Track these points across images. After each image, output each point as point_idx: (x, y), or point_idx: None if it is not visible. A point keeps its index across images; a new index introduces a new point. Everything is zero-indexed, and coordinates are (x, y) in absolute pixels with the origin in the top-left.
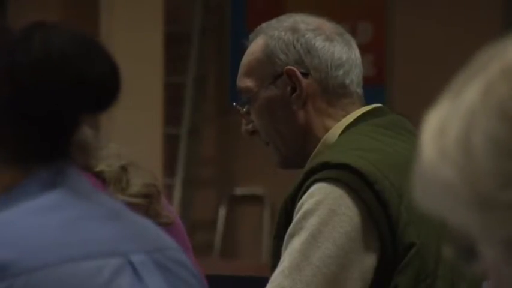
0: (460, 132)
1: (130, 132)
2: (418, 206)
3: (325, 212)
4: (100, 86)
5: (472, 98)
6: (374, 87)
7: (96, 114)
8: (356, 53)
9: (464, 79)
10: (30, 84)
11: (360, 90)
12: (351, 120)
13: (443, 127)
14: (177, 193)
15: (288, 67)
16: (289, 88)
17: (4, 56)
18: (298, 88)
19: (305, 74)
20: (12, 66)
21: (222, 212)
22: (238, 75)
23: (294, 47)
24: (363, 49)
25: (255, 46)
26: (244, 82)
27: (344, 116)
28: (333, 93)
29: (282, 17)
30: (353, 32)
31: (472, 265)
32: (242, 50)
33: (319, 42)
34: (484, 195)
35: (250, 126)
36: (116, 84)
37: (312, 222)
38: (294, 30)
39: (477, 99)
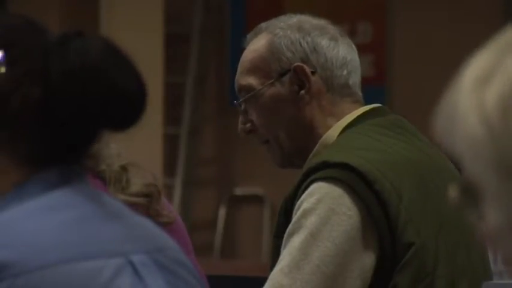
0: (504, 93)
1: (131, 132)
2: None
3: (324, 211)
4: (128, 102)
5: None
6: (374, 87)
7: (118, 130)
8: (356, 56)
9: None
10: (61, 90)
11: (359, 92)
12: (350, 120)
13: (487, 78)
14: (177, 193)
15: (297, 64)
16: (296, 85)
17: (40, 58)
18: (306, 85)
19: (312, 72)
20: (46, 69)
21: (222, 212)
22: (238, 73)
23: (301, 44)
24: (363, 49)
25: (258, 44)
26: (246, 79)
27: (345, 115)
28: (337, 92)
29: (282, 17)
30: (353, 32)
31: (473, 212)
32: (242, 50)
33: (325, 41)
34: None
35: (247, 125)
36: (142, 102)
37: (312, 221)
38: (300, 28)
39: None
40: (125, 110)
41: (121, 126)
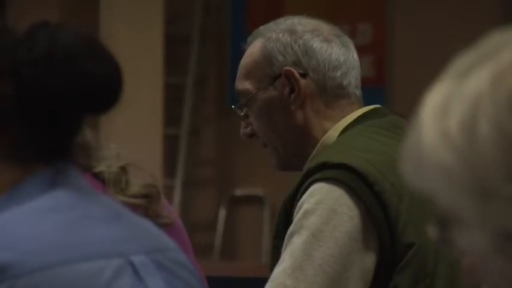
0: (464, 117)
1: (131, 132)
2: (407, 183)
3: (325, 211)
4: (103, 86)
5: (479, 84)
6: (374, 87)
7: (98, 114)
8: (354, 55)
9: (471, 61)
10: (33, 82)
11: (358, 92)
12: (350, 121)
13: (446, 108)
14: (177, 194)
15: (286, 68)
16: (287, 89)
17: (7, 54)
18: (296, 88)
19: (303, 75)
20: (15, 64)
21: (222, 213)
22: (237, 78)
23: (292, 48)
24: (363, 50)
25: (253, 48)
26: (243, 84)
27: (342, 117)
28: (331, 95)
29: (280, 20)
30: (353, 33)
31: (453, 246)
32: (242, 51)
33: (316, 44)
34: (486, 185)
35: (248, 129)
36: (118, 85)
37: (313, 221)
38: (292, 31)
39: (485, 86)
40: (99, 94)
41: (97, 111)
